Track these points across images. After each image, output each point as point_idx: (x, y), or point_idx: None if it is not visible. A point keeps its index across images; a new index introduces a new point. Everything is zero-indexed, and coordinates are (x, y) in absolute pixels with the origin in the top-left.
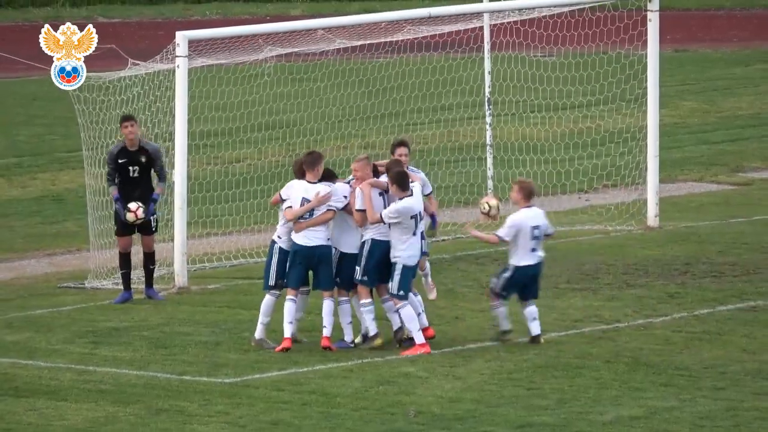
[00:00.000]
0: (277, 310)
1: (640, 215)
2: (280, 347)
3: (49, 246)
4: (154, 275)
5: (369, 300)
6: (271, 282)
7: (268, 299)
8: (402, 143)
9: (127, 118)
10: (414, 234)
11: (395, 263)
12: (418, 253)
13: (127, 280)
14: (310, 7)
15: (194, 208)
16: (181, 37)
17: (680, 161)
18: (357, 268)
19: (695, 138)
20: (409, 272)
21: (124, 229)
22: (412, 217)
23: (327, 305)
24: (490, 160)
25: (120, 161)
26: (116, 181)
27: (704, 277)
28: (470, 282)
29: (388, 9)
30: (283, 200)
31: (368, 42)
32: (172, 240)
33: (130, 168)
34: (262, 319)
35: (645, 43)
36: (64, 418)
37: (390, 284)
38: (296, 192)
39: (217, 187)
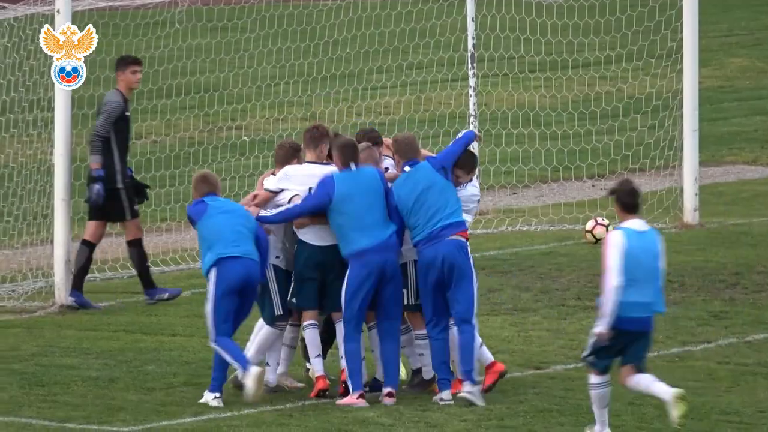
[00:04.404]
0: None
1: (675, 209)
2: (316, 390)
3: None
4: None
5: (425, 331)
6: (279, 311)
7: (270, 333)
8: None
9: (138, 61)
10: None
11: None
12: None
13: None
14: None
15: (81, 199)
16: None
17: (727, 137)
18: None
19: (747, 106)
20: None
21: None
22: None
23: (340, 330)
24: None
25: (127, 113)
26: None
27: (759, 292)
28: None
29: None
30: (275, 193)
31: None
32: (52, 242)
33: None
34: (257, 358)
35: None
36: None
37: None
38: (300, 178)
39: None
